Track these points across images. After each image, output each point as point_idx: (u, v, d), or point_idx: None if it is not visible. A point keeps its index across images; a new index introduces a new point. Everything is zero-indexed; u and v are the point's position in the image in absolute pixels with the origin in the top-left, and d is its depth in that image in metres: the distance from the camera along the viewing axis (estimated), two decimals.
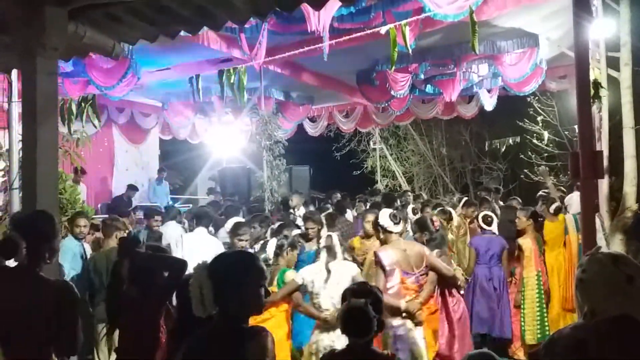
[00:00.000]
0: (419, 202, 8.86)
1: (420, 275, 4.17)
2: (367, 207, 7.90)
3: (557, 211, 6.30)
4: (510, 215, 6.20)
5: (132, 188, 11.06)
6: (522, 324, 5.72)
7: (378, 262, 4.14)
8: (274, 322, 4.01)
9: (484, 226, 5.86)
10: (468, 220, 7.00)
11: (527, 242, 5.77)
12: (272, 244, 4.40)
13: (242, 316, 2.07)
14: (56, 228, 2.72)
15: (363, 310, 2.45)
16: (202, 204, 11.04)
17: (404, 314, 4.04)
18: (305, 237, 5.32)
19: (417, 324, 4.05)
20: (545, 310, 5.77)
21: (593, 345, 1.69)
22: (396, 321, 4.03)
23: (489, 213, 6.05)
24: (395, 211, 4.49)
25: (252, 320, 2.14)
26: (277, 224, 6.02)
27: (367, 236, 5.55)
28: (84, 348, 4.37)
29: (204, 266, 2.05)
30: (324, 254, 4.07)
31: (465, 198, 8.41)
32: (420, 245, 4.50)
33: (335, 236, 4.23)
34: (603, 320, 1.73)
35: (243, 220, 5.88)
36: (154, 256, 3.24)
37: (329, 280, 3.97)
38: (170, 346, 2.84)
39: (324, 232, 5.12)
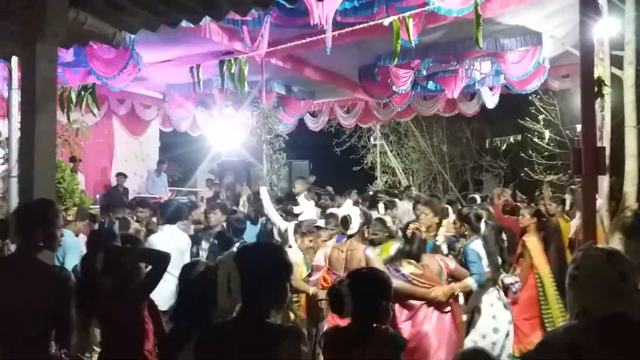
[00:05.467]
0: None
1: None
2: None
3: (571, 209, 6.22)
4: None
5: (120, 175, 11.30)
6: (549, 322, 5.56)
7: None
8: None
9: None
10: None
11: (532, 240, 5.69)
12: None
13: (267, 310, 2.03)
14: (52, 215, 2.66)
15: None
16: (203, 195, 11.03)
17: None
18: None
19: None
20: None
21: (586, 349, 1.64)
22: None
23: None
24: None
25: None
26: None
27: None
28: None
29: (231, 257, 2.02)
30: None
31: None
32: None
33: None
34: (595, 320, 1.68)
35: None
36: (138, 250, 3.21)
37: None
38: (165, 337, 2.82)
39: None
